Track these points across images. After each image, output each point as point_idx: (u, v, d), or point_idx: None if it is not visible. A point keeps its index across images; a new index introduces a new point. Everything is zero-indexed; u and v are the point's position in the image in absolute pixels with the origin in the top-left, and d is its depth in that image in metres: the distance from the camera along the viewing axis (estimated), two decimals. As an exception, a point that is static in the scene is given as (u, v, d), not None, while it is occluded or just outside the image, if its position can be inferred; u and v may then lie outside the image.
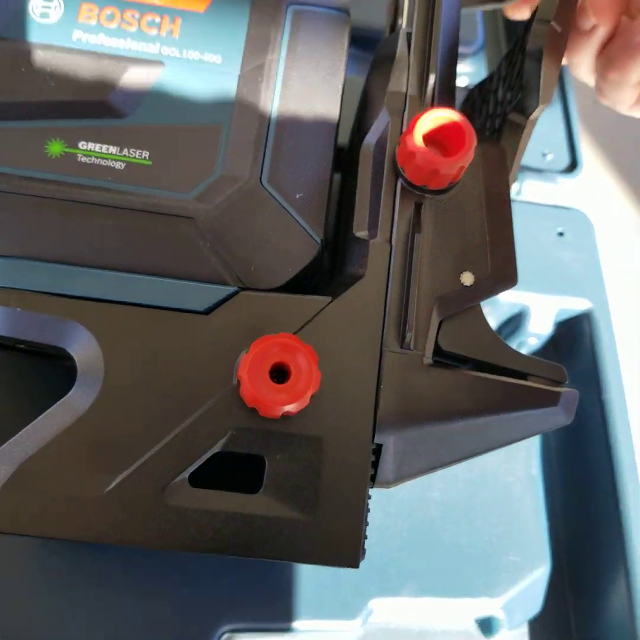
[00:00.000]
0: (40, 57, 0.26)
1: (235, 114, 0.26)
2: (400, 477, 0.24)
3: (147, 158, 0.26)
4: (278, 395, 0.21)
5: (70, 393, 0.23)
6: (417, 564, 0.34)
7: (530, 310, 0.38)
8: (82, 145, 0.26)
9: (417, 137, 0.24)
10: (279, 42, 0.28)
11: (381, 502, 0.34)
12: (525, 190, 0.42)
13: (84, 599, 0.31)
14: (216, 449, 0.22)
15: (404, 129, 0.26)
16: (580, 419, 0.38)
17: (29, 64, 0.26)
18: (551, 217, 0.40)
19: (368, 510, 0.22)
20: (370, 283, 0.24)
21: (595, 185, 0.53)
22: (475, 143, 0.25)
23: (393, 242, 0.25)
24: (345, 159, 0.36)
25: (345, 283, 0.25)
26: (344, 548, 0.21)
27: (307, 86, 0.27)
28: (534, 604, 0.36)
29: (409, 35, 0.29)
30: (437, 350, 0.25)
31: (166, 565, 0.32)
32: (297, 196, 0.26)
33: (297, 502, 0.22)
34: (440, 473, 0.35)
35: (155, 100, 0.27)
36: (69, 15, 0.27)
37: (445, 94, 0.27)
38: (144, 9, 0.27)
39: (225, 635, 0.31)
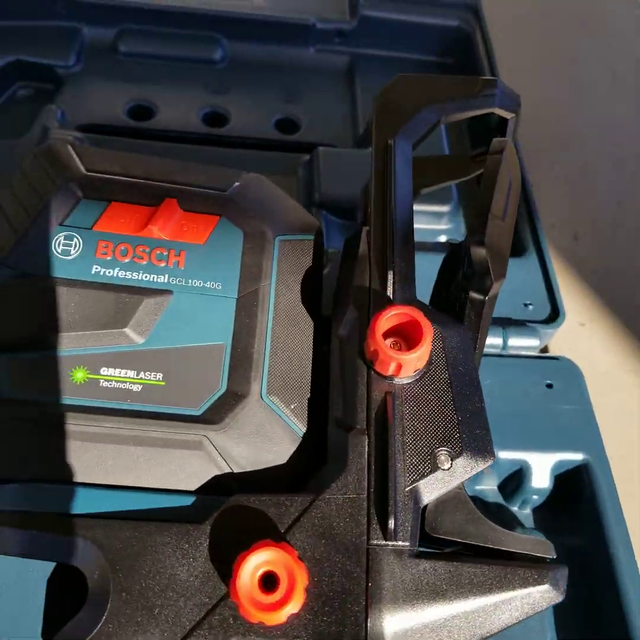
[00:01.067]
0: (64, 291, 0.30)
1: (235, 334, 0.30)
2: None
3: (161, 379, 0.29)
4: (265, 604, 0.22)
5: (80, 613, 0.25)
6: None
7: (530, 467, 0.39)
8: (103, 371, 0.29)
9: (379, 335, 0.27)
10: (269, 269, 0.32)
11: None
12: (510, 344, 0.44)
13: None
14: None
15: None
16: (588, 574, 0.39)
17: (54, 297, 0.30)
18: (539, 370, 0.42)
19: None
20: (351, 477, 0.26)
21: (580, 332, 0.56)
22: (432, 335, 0.27)
23: (370, 433, 0.27)
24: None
25: (329, 478, 0.26)
26: None
27: (294, 307, 0.31)
28: None
29: (369, 233, 0.32)
30: (424, 536, 0.26)
31: None
32: (292, 406, 0.29)
33: None
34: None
35: (166, 325, 0.30)
36: (87, 251, 0.31)
37: (405, 287, 0.30)
38: (153, 243, 0.32)
39: None
